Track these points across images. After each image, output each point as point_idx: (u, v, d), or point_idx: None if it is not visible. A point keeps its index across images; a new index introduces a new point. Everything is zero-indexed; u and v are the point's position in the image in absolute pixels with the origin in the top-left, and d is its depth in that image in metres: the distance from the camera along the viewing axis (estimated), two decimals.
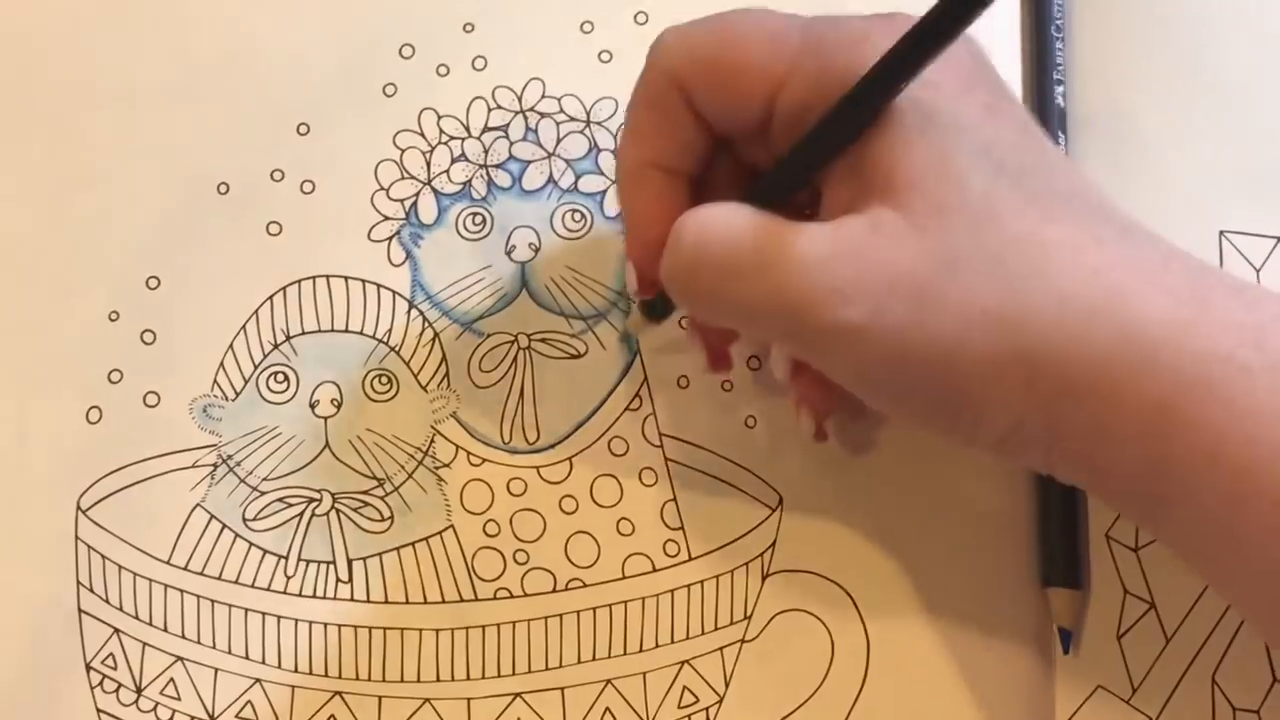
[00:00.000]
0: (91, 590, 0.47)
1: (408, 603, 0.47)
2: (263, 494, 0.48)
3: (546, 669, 0.46)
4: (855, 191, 0.39)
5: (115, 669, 0.47)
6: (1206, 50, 0.51)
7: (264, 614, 0.47)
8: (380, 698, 0.46)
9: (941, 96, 0.39)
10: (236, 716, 0.46)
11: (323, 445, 0.48)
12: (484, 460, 0.48)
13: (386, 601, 0.47)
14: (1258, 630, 0.39)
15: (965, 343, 0.37)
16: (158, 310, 0.49)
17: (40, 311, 0.49)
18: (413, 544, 0.47)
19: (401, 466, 0.48)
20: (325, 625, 0.47)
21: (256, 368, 0.49)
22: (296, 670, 0.46)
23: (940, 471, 0.48)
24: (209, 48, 0.52)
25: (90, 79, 0.51)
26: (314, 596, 0.47)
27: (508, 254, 0.50)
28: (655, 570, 0.47)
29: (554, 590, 0.47)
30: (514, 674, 0.46)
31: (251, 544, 0.47)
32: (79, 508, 0.48)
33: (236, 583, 0.47)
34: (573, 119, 0.51)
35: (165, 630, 0.47)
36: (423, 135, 0.51)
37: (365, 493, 0.48)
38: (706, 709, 0.47)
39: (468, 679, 0.46)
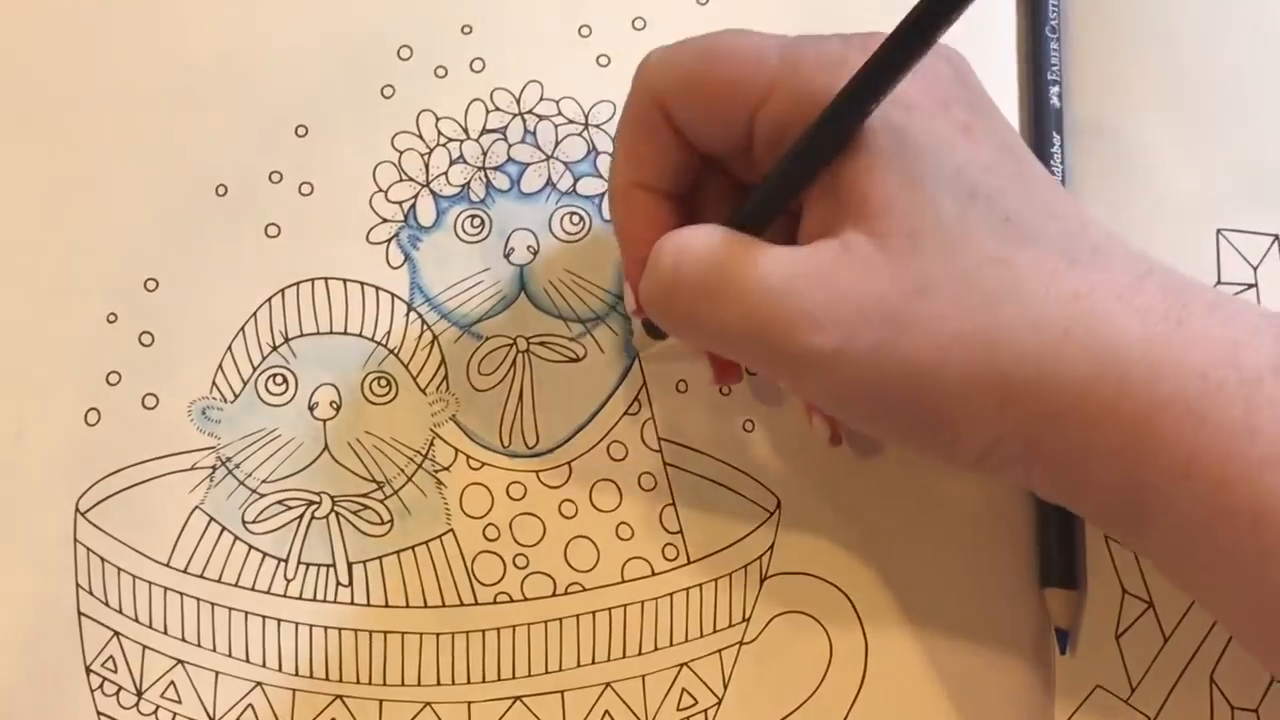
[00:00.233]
0: (91, 593, 0.47)
1: (408, 606, 0.47)
2: (262, 496, 0.48)
3: (546, 672, 0.46)
4: (830, 215, 0.39)
5: (115, 672, 0.47)
6: (1203, 49, 0.51)
7: (264, 617, 0.47)
8: (381, 701, 0.46)
9: (916, 118, 0.39)
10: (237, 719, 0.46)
11: (322, 448, 0.48)
12: (483, 464, 0.48)
13: (387, 605, 0.47)
14: (1240, 643, 0.40)
15: (939, 367, 0.37)
16: (156, 312, 0.49)
17: (38, 313, 0.49)
18: (413, 548, 0.47)
19: (401, 470, 0.48)
20: (325, 629, 0.47)
21: (255, 370, 0.49)
22: (297, 673, 0.46)
23: (938, 473, 0.48)
24: (207, 49, 0.52)
25: (89, 80, 0.51)
26: (314, 600, 0.47)
27: (506, 257, 0.50)
28: (654, 574, 0.47)
29: (554, 594, 0.47)
30: (514, 677, 0.46)
31: (251, 547, 0.47)
32: (78, 510, 0.48)
33: (236, 585, 0.47)
34: (571, 121, 0.51)
35: (165, 633, 0.47)
36: (421, 137, 0.51)
37: (365, 495, 0.48)
38: (705, 711, 0.47)
39: (468, 683, 0.46)
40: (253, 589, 0.47)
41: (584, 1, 0.52)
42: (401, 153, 0.50)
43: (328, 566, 0.47)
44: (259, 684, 0.46)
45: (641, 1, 0.52)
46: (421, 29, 0.52)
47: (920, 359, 0.37)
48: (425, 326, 0.49)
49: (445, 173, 0.50)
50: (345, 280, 0.49)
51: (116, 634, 0.47)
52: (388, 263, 0.50)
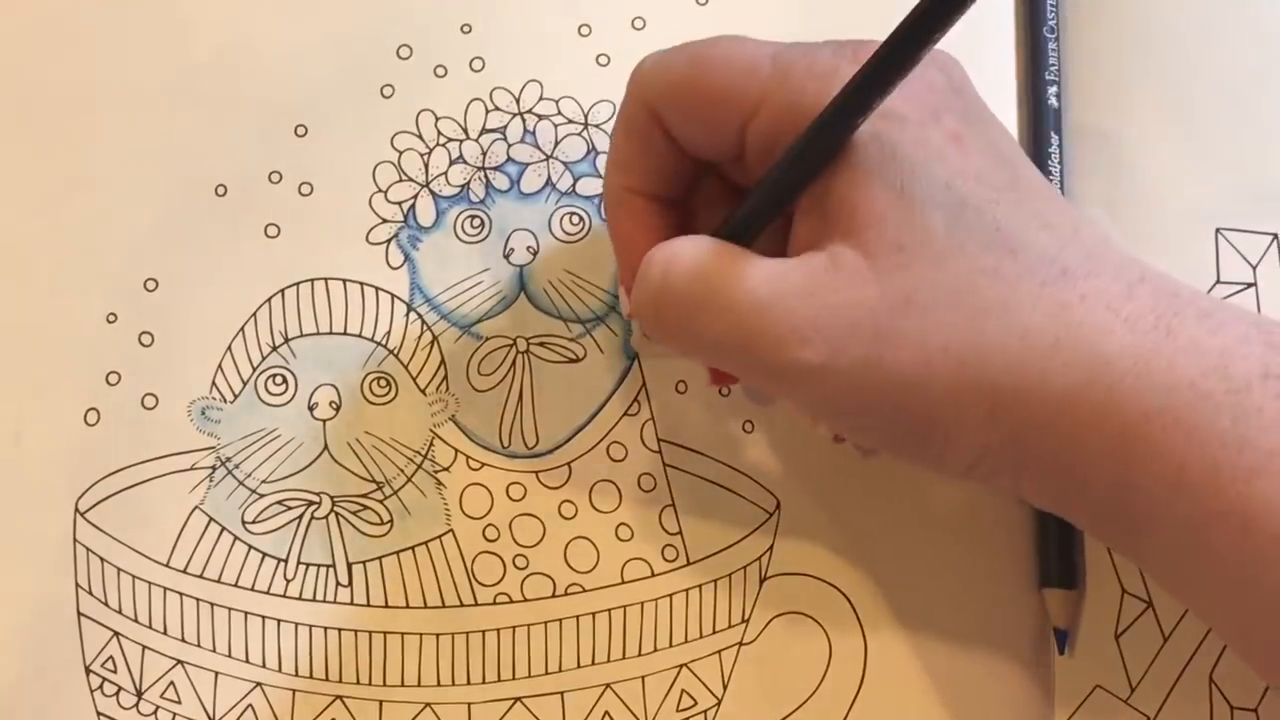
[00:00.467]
0: (90, 593, 0.47)
1: (408, 607, 0.47)
2: (262, 496, 0.48)
3: (546, 673, 0.46)
4: (819, 227, 0.39)
5: (115, 672, 0.47)
6: (1201, 48, 0.51)
7: (264, 617, 0.47)
8: (381, 702, 0.46)
9: (906, 130, 0.39)
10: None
11: (321, 448, 0.48)
12: (483, 464, 0.48)
13: (386, 605, 0.47)
14: (1234, 651, 0.40)
15: (926, 379, 0.37)
16: (156, 312, 0.49)
17: (38, 313, 0.49)
18: (412, 548, 0.47)
19: (400, 470, 0.48)
20: (325, 629, 0.47)
21: (255, 370, 0.49)
22: (297, 674, 0.46)
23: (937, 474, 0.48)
24: (207, 49, 0.51)
25: (88, 81, 0.51)
26: (314, 600, 0.47)
27: (506, 257, 0.50)
28: (654, 575, 0.47)
29: (553, 595, 0.47)
30: (514, 678, 0.46)
31: (251, 547, 0.47)
32: (77, 510, 0.48)
33: (236, 585, 0.47)
34: (570, 121, 0.51)
35: (165, 633, 0.47)
36: (420, 137, 0.51)
37: (364, 496, 0.48)
38: (705, 712, 0.47)
39: (468, 683, 0.46)
40: (252, 589, 0.47)
41: (584, 1, 0.52)
42: (401, 153, 0.50)
43: (327, 567, 0.47)
44: (259, 684, 0.46)
45: (641, 1, 0.52)
46: (421, 28, 0.52)
47: (908, 371, 0.37)
48: (425, 327, 0.49)
49: (445, 173, 0.50)
50: (345, 280, 0.49)
51: (116, 634, 0.47)
52: (388, 263, 0.50)
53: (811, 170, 0.39)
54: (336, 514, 0.48)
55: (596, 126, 0.51)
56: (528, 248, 0.50)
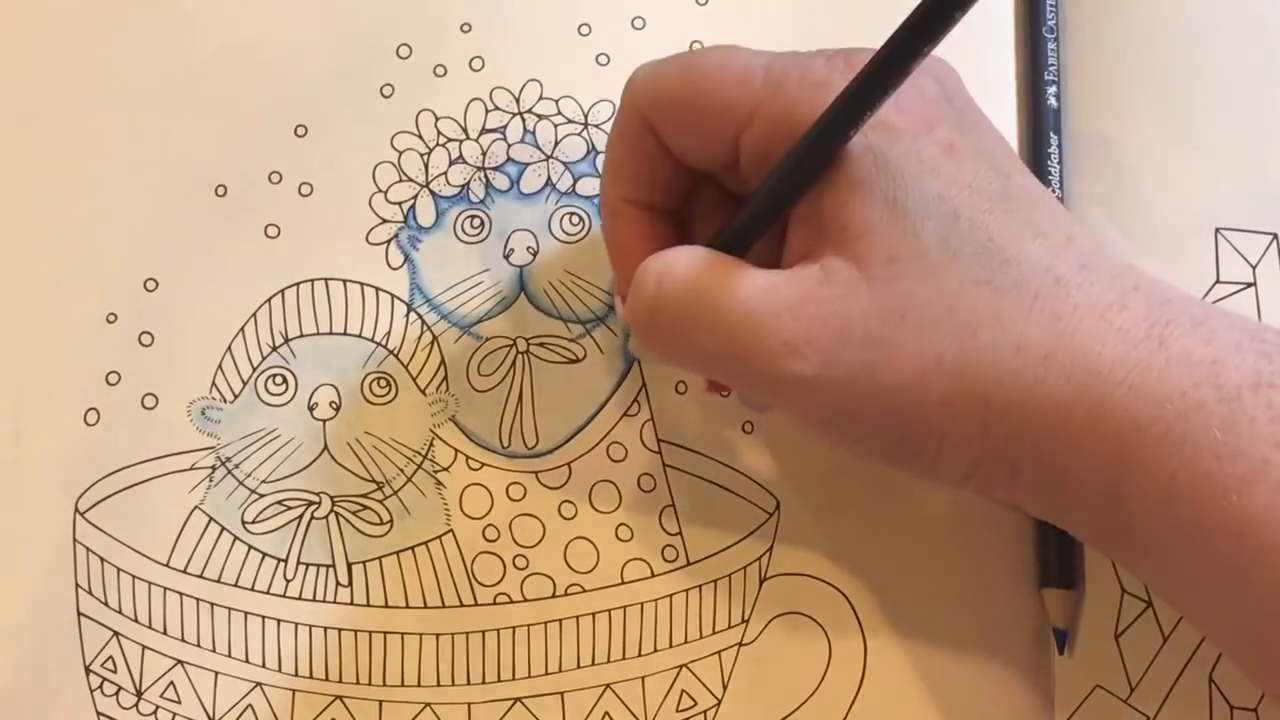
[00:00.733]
0: (90, 593, 0.47)
1: (408, 607, 0.47)
2: (261, 496, 0.48)
3: (546, 673, 0.46)
4: (812, 238, 0.39)
5: (115, 672, 0.47)
6: (1201, 48, 0.51)
7: (264, 617, 0.47)
8: (380, 702, 0.46)
9: (899, 141, 0.39)
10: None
11: (321, 448, 0.48)
12: (483, 464, 0.48)
13: (386, 605, 0.47)
14: (1229, 659, 0.40)
15: (919, 392, 0.38)
16: (156, 312, 0.49)
17: (38, 313, 0.49)
18: (412, 548, 0.47)
19: (400, 470, 0.48)
20: (325, 629, 0.47)
21: (255, 370, 0.49)
22: (297, 674, 0.46)
23: None
24: (206, 49, 0.51)
25: (88, 81, 0.51)
26: (314, 600, 0.47)
27: (506, 257, 0.49)
28: (654, 575, 0.47)
29: (553, 595, 0.47)
30: (514, 679, 0.46)
31: (251, 547, 0.47)
32: (77, 510, 0.48)
33: (236, 585, 0.47)
34: (570, 121, 0.51)
35: (165, 633, 0.47)
36: (420, 137, 0.51)
37: (364, 496, 0.48)
38: (704, 712, 0.47)
39: (468, 683, 0.46)
40: (252, 589, 0.47)
41: (583, 1, 0.52)
42: (401, 153, 0.50)
43: (327, 567, 0.47)
44: (259, 684, 0.46)
45: (641, 1, 0.52)
46: (421, 28, 0.52)
47: (901, 383, 0.38)
48: (425, 327, 0.49)
49: (445, 173, 0.50)
50: (345, 281, 0.49)
51: (116, 634, 0.47)
52: (387, 263, 0.50)
53: (805, 181, 0.39)
54: (336, 514, 0.48)
55: (596, 126, 0.51)
56: (528, 248, 0.50)
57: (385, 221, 0.50)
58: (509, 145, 0.51)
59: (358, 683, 0.46)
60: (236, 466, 0.48)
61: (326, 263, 0.50)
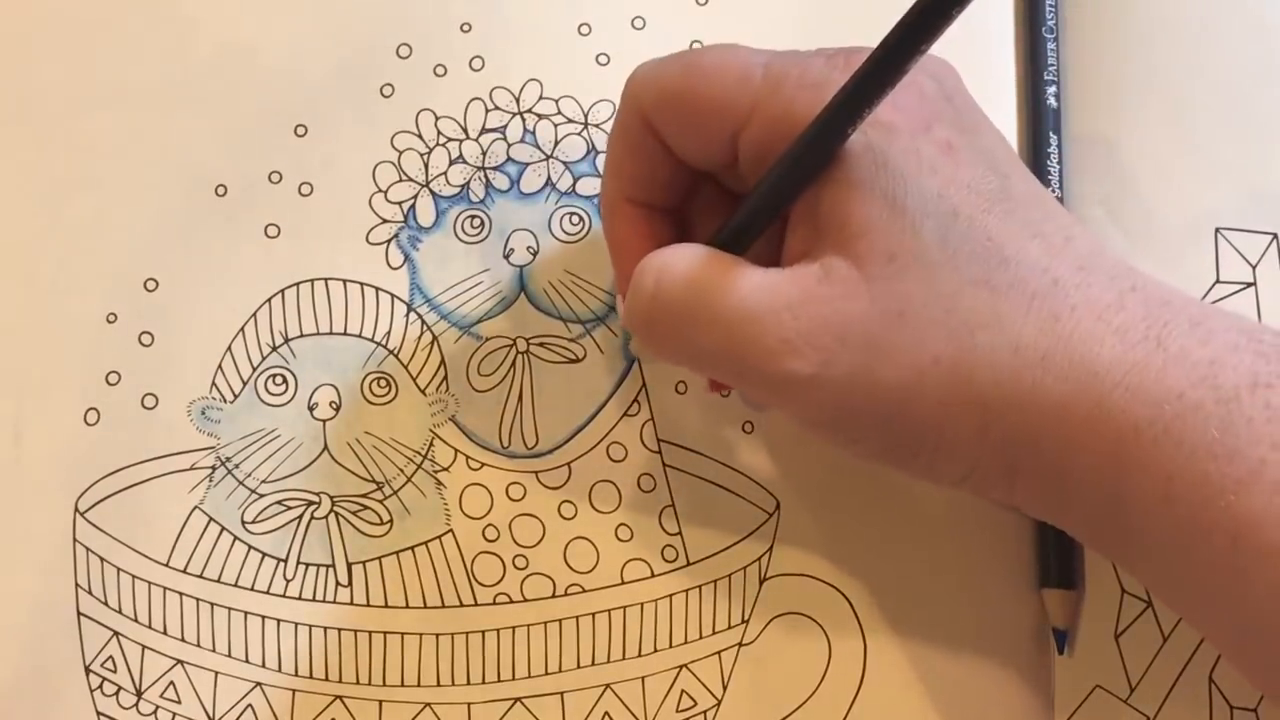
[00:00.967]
0: (90, 593, 0.47)
1: (408, 607, 0.47)
2: (261, 496, 0.48)
3: (546, 674, 0.46)
4: (811, 237, 0.39)
5: (115, 672, 0.47)
6: (1201, 47, 0.51)
7: (263, 617, 0.47)
8: (380, 702, 0.46)
9: (897, 140, 0.39)
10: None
11: (321, 448, 0.48)
12: (483, 464, 0.48)
13: (386, 605, 0.47)
14: (1228, 660, 0.40)
15: (917, 391, 0.38)
16: (156, 312, 0.49)
17: (38, 313, 0.49)
18: (412, 548, 0.47)
19: (400, 470, 0.48)
20: (325, 629, 0.47)
21: (255, 370, 0.49)
22: (296, 674, 0.46)
23: None
24: (206, 49, 0.51)
25: (88, 80, 0.51)
26: (314, 600, 0.47)
27: (506, 257, 0.50)
28: (653, 575, 0.47)
29: (553, 595, 0.47)
30: (514, 679, 0.46)
31: (250, 547, 0.47)
32: (77, 510, 0.48)
33: (236, 585, 0.47)
34: (570, 120, 0.51)
35: (165, 633, 0.47)
36: (420, 137, 0.51)
37: (364, 496, 0.48)
38: (704, 712, 0.47)
39: (468, 684, 0.46)
40: (252, 589, 0.47)
41: (583, 0, 0.52)
42: (401, 152, 0.50)
43: (327, 567, 0.47)
44: (258, 684, 0.46)
45: (641, 0, 0.52)
46: (421, 27, 0.52)
47: (899, 382, 0.38)
48: (425, 327, 0.49)
49: (445, 173, 0.50)
50: (345, 281, 0.49)
51: (116, 634, 0.47)
52: (387, 263, 0.50)
53: (803, 179, 0.39)
54: (336, 514, 0.48)
55: (596, 126, 0.51)
56: (528, 248, 0.50)
57: (385, 221, 0.50)
58: (509, 145, 0.51)
59: (358, 683, 0.46)
60: (236, 466, 0.48)
61: (326, 263, 0.50)
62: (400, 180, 0.50)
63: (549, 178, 0.50)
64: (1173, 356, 0.36)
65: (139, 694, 0.47)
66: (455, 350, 0.49)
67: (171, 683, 0.47)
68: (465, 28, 0.52)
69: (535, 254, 0.49)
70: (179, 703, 0.46)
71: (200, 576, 0.47)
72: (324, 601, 0.47)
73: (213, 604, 0.47)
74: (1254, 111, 0.50)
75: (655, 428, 0.48)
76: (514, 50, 0.52)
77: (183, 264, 0.50)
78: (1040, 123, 0.50)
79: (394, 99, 0.51)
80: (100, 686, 0.47)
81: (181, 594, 0.47)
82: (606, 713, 0.46)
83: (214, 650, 0.47)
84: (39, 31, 0.52)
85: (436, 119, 0.51)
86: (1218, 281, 0.49)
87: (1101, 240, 0.46)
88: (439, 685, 0.46)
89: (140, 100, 0.51)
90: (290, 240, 0.50)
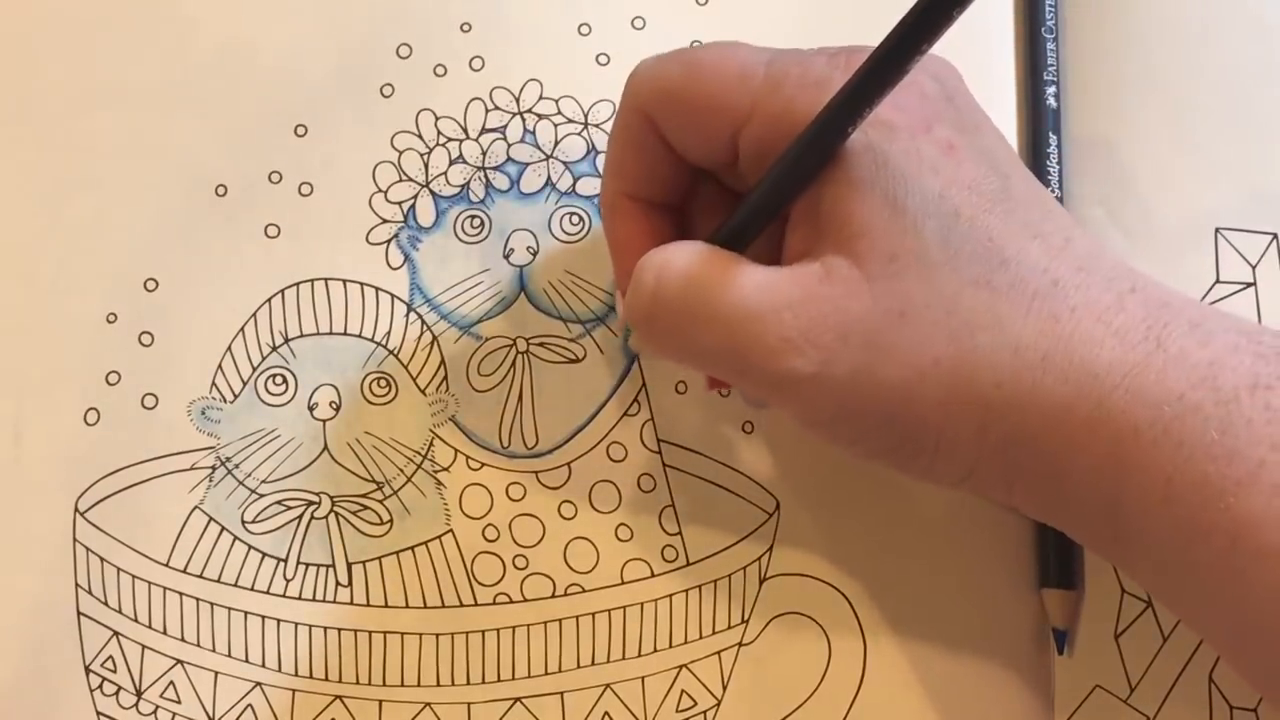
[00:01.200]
0: (90, 593, 0.47)
1: (408, 607, 0.47)
2: (261, 496, 0.48)
3: (546, 674, 0.46)
4: (811, 236, 0.39)
5: (115, 672, 0.47)
6: (1200, 47, 0.51)
7: (263, 617, 0.47)
8: (380, 701, 0.46)
9: (898, 139, 0.39)
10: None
11: (321, 448, 0.48)
12: (483, 464, 0.48)
13: (386, 605, 0.47)
14: (1227, 662, 0.40)
15: (918, 391, 0.38)
16: (156, 312, 0.49)
17: (38, 313, 0.49)
18: (412, 548, 0.47)
19: (400, 470, 0.48)
20: (325, 629, 0.47)
21: (255, 370, 0.49)
22: (296, 674, 0.46)
23: None
24: (206, 49, 0.51)
25: (88, 80, 0.51)
26: (313, 600, 0.47)
27: (506, 257, 0.50)
28: (653, 575, 0.47)
29: (553, 595, 0.47)
30: (513, 679, 0.46)
31: (250, 547, 0.47)
32: (77, 510, 0.48)
33: (236, 585, 0.47)
34: (570, 120, 0.51)
35: (164, 633, 0.47)
36: (420, 137, 0.51)
37: (364, 496, 0.48)
38: (704, 712, 0.47)
39: (468, 683, 0.46)
40: (252, 589, 0.47)
41: (583, 0, 0.52)
42: (401, 152, 0.50)
43: (327, 566, 0.47)
44: (258, 684, 0.46)
45: (641, 0, 0.52)
46: (421, 27, 0.52)
47: (900, 382, 0.38)
48: (425, 327, 0.49)
49: (445, 173, 0.50)
50: (345, 281, 0.49)
51: (116, 634, 0.47)
52: (387, 263, 0.50)
53: (803, 179, 0.39)
54: (336, 514, 0.48)
55: (596, 126, 0.51)
56: (528, 248, 0.50)
57: (385, 221, 0.50)
58: (509, 145, 0.51)
59: (358, 683, 0.46)
60: (236, 466, 0.48)
61: (326, 263, 0.50)
62: (400, 180, 0.50)
63: (549, 178, 0.50)
64: (1172, 358, 0.36)
65: (139, 694, 0.47)
66: (455, 350, 0.49)
67: (171, 683, 0.47)
68: (465, 28, 0.52)
69: (535, 254, 0.49)
70: (179, 703, 0.46)
71: (200, 576, 0.47)
72: (324, 601, 0.47)
73: (213, 604, 0.47)
74: (1254, 112, 0.50)
75: (655, 428, 0.48)
76: (514, 50, 0.52)
77: (183, 264, 0.50)
78: (1040, 123, 0.50)
79: (394, 99, 0.51)
80: (100, 686, 0.47)
81: (181, 594, 0.47)
82: (606, 713, 0.46)
83: (214, 650, 0.47)
84: (39, 31, 0.52)
85: (436, 119, 0.51)
86: (1218, 281, 0.49)
87: (1101, 241, 0.46)
88: (439, 685, 0.46)
89: (140, 100, 0.51)
90: (290, 240, 0.50)
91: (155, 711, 0.46)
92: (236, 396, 0.49)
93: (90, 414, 0.48)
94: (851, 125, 0.37)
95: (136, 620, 0.47)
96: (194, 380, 0.49)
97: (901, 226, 0.38)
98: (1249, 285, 0.49)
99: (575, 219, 0.50)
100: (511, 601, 0.47)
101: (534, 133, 0.51)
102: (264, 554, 0.47)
